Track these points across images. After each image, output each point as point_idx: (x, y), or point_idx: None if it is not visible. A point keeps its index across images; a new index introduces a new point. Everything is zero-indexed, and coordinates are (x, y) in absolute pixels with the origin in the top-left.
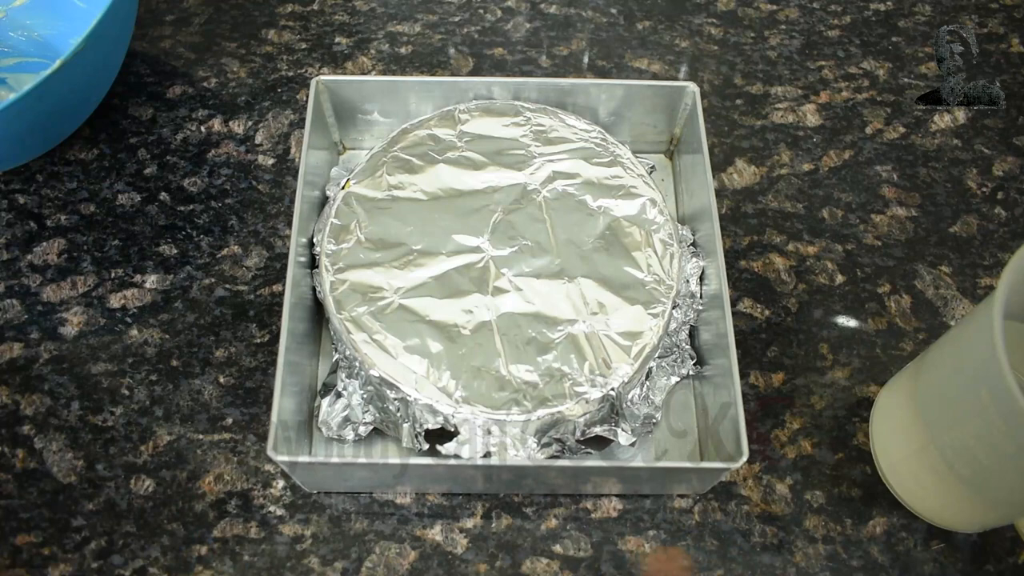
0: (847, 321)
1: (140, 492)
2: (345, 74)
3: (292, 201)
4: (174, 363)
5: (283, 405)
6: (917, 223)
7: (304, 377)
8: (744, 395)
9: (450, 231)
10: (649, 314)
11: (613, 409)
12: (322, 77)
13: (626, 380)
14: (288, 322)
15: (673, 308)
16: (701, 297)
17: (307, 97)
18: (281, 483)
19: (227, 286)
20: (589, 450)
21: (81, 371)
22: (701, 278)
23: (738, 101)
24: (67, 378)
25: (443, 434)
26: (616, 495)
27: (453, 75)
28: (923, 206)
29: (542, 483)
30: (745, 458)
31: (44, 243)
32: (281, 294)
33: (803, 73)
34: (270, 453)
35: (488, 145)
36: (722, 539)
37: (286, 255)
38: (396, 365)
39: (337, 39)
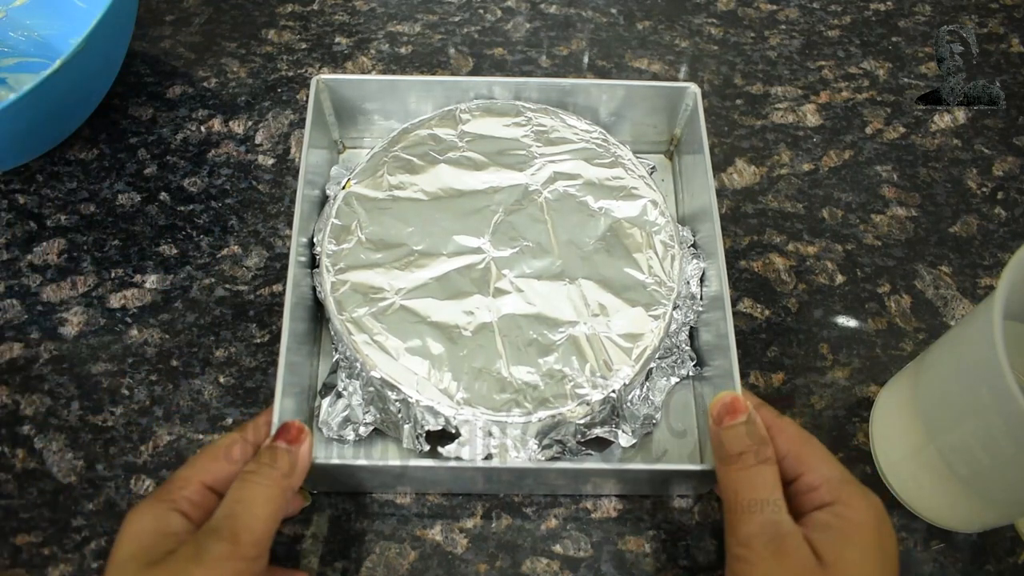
0: (847, 321)
1: (140, 492)
2: (345, 74)
3: (292, 201)
4: (174, 363)
5: (283, 405)
6: (917, 223)
7: (304, 377)
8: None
9: (451, 232)
10: (650, 316)
11: (614, 411)
12: (322, 76)
13: (627, 382)
14: (289, 322)
15: (674, 310)
16: (701, 299)
17: (307, 97)
18: None
19: (227, 286)
20: (589, 451)
21: (81, 371)
22: (701, 279)
23: (738, 101)
24: (67, 378)
25: (444, 435)
26: (616, 495)
27: (453, 75)
28: (923, 206)
29: (542, 484)
30: None
31: (44, 243)
32: (281, 294)
33: (803, 73)
34: None
35: (489, 145)
36: (722, 539)
37: (286, 255)
38: (397, 366)
39: (337, 39)
